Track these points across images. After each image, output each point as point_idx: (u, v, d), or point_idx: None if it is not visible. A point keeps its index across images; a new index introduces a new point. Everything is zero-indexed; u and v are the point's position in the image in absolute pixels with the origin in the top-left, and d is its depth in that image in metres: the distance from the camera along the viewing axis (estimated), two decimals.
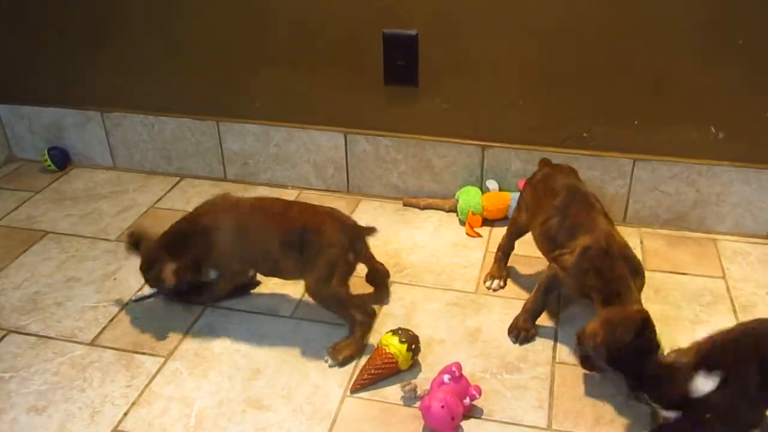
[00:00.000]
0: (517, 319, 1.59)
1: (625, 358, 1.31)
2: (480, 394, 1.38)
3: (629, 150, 1.91)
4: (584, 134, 1.92)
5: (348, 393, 1.43)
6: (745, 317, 1.63)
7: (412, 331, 1.48)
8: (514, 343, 1.57)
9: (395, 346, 1.44)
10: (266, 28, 2.02)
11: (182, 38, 2.10)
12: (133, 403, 1.43)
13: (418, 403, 1.38)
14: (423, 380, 1.44)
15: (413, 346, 1.46)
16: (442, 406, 1.32)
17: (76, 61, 2.22)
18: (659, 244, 1.91)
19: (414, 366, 1.49)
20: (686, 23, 1.74)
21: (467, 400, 1.36)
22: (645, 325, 1.32)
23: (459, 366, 1.38)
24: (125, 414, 1.40)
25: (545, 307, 1.59)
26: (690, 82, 1.80)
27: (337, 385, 1.46)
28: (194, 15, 2.06)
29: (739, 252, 1.87)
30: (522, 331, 1.57)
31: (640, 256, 1.83)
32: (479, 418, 1.38)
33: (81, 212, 2.11)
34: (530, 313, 1.58)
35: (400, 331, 1.47)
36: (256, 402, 1.42)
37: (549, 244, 1.57)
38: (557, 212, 1.56)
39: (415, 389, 1.40)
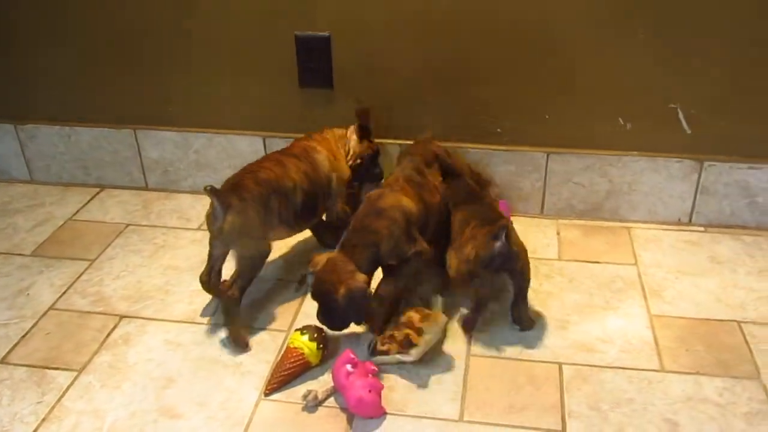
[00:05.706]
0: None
1: None
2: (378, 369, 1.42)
3: (542, 144, 1.95)
4: (498, 130, 1.95)
5: (263, 396, 1.43)
6: (655, 301, 1.68)
7: (315, 325, 1.50)
8: None
9: (300, 342, 1.46)
10: (179, 32, 2.00)
11: (93, 45, 2.06)
12: (43, 420, 1.40)
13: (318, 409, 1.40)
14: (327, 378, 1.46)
15: (315, 335, 1.47)
16: (369, 391, 1.35)
17: None
18: (575, 234, 1.95)
19: (325, 360, 1.50)
20: (589, 19, 1.79)
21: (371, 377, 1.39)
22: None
23: (350, 351, 1.41)
24: (35, 431, 1.37)
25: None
26: (596, 75, 1.85)
27: (252, 389, 1.45)
28: (103, 21, 2.02)
29: (651, 239, 1.93)
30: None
31: (557, 248, 1.89)
32: (393, 414, 1.38)
33: None
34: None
35: (303, 328, 1.49)
36: (169, 411, 1.41)
37: None
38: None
39: (316, 396, 1.40)
